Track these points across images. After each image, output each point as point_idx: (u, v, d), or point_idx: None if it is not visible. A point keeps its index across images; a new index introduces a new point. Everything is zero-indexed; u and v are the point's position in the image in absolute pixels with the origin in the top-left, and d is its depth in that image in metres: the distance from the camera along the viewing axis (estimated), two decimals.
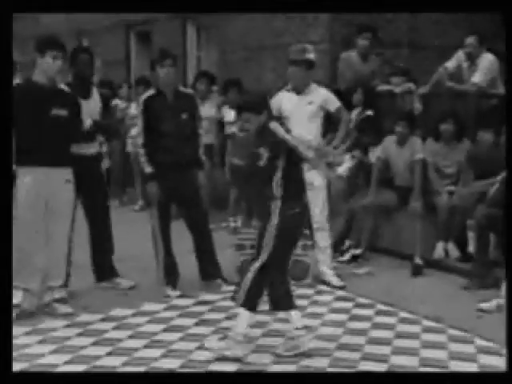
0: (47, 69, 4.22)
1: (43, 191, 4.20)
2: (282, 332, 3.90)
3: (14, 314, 4.16)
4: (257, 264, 3.59)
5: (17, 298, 4.24)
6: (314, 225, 4.98)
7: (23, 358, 3.64)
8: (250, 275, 3.59)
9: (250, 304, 3.58)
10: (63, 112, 4.25)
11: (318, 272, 5.12)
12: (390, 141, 5.75)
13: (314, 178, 4.85)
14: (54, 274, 4.34)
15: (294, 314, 3.70)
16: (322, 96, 4.93)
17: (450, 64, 6.24)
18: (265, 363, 3.58)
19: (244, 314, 3.60)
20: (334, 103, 4.99)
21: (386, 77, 6.60)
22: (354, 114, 6.27)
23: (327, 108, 4.96)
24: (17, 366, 3.51)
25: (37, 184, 4.17)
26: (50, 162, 4.20)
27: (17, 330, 4.03)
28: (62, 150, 4.29)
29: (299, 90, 4.90)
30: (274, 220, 3.60)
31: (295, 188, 3.70)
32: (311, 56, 4.89)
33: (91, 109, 4.73)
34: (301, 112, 4.86)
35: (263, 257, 3.60)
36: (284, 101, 4.92)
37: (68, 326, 4.15)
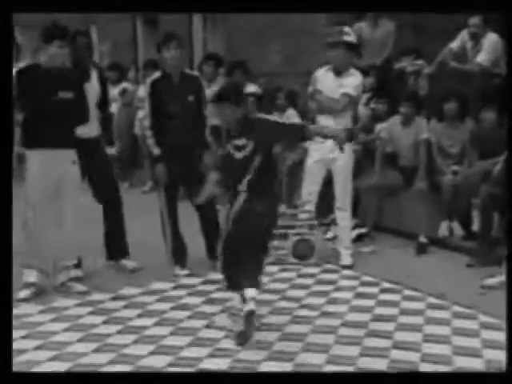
0: (53, 57, 4.29)
1: (51, 173, 4.31)
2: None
3: (29, 292, 4.32)
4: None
5: (30, 276, 4.38)
6: (336, 203, 5.06)
7: (38, 336, 3.75)
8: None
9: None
10: (69, 95, 4.33)
11: (324, 250, 5.22)
12: (394, 121, 5.79)
13: (338, 158, 4.93)
14: (66, 253, 4.48)
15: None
16: (355, 83, 4.96)
17: (455, 44, 6.24)
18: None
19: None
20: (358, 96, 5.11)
21: (396, 57, 6.61)
22: (365, 97, 6.31)
23: (357, 95, 5.05)
24: (32, 343, 3.64)
25: (45, 166, 4.28)
26: (56, 144, 4.29)
27: (32, 308, 4.18)
28: (67, 133, 4.37)
29: (338, 72, 4.95)
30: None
31: (265, 185, 3.72)
32: (350, 38, 4.93)
33: (90, 92, 4.76)
34: (333, 93, 4.92)
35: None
36: (321, 79, 5.00)
37: (80, 304, 4.26)
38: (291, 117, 6.71)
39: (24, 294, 4.32)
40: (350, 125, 5.05)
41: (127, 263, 4.98)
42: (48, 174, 4.30)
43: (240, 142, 3.69)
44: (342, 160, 4.96)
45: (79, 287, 4.48)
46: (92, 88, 4.80)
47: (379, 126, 6.05)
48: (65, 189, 4.39)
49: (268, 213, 3.72)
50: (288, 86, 6.89)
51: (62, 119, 4.29)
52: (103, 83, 4.98)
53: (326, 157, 5.00)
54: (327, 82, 4.96)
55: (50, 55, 4.29)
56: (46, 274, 4.44)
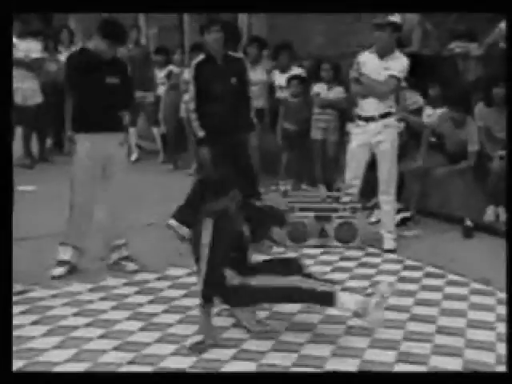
0: (100, 52, 4.40)
1: (99, 155, 4.43)
2: None
3: (63, 270, 4.48)
4: None
5: (65, 254, 4.53)
6: (380, 187, 5.05)
7: (88, 314, 3.87)
8: None
9: None
10: (115, 80, 4.43)
11: (367, 234, 5.22)
12: (444, 117, 5.66)
13: (382, 141, 4.91)
14: (116, 232, 4.61)
15: None
16: (401, 66, 4.91)
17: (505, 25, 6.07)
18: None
19: None
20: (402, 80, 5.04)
21: (444, 42, 6.48)
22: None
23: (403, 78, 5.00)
24: (82, 321, 3.76)
25: (93, 148, 4.41)
26: (105, 127, 4.42)
27: (81, 286, 4.30)
28: (115, 116, 4.49)
29: (382, 54, 4.91)
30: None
31: None
32: (395, 19, 4.88)
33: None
34: (378, 76, 4.90)
35: None
36: (365, 62, 4.98)
37: (127, 284, 4.37)
38: (338, 94, 6.67)
39: (58, 271, 4.46)
40: (393, 107, 5.01)
41: None
42: (95, 156, 4.42)
43: None
44: (387, 143, 4.93)
45: (131, 266, 4.60)
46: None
47: (428, 111, 5.96)
48: (112, 171, 4.51)
49: None
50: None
51: (108, 104, 4.40)
52: None
53: (370, 140, 4.97)
54: (371, 65, 4.92)
55: (99, 47, 4.41)
56: (80, 251, 4.58)
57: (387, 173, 4.99)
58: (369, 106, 4.94)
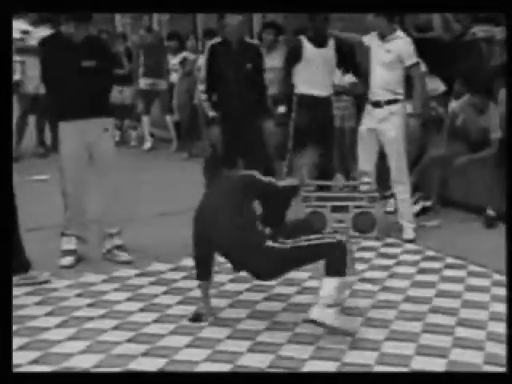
0: (70, 34, 4.30)
1: (83, 142, 4.33)
2: None
3: (72, 259, 4.43)
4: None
5: (70, 244, 4.48)
6: (392, 177, 4.95)
7: (101, 305, 3.83)
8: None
9: None
10: (92, 63, 4.30)
11: (385, 224, 5.12)
12: (466, 104, 5.53)
13: (388, 129, 4.82)
14: (110, 220, 4.51)
15: None
16: (401, 47, 4.81)
17: None
18: None
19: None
20: (410, 58, 4.85)
21: (467, 25, 6.33)
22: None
23: (403, 61, 4.85)
24: (96, 312, 3.72)
25: (77, 136, 4.30)
26: (86, 113, 4.29)
27: (95, 277, 4.26)
28: (96, 101, 4.34)
29: (382, 36, 4.85)
30: None
31: None
32: None
33: (328, 56, 5.28)
34: (379, 59, 4.84)
35: None
36: (369, 45, 4.94)
37: (141, 274, 4.31)
38: (353, 78, 6.54)
39: (66, 261, 4.40)
40: (401, 94, 4.86)
41: None
42: (80, 144, 4.33)
43: None
44: (392, 132, 4.84)
45: (124, 256, 4.49)
46: (330, 53, 5.29)
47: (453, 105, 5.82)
48: (100, 158, 4.41)
49: None
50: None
51: (86, 88, 4.24)
52: None
53: (376, 126, 4.90)
54: (374, 48, 4.88)
55: (67, 32, 4.29)
56: (83, 241, 4.52)
57: (395, 162, 4.88)
58: (377, 91, 4.88)
